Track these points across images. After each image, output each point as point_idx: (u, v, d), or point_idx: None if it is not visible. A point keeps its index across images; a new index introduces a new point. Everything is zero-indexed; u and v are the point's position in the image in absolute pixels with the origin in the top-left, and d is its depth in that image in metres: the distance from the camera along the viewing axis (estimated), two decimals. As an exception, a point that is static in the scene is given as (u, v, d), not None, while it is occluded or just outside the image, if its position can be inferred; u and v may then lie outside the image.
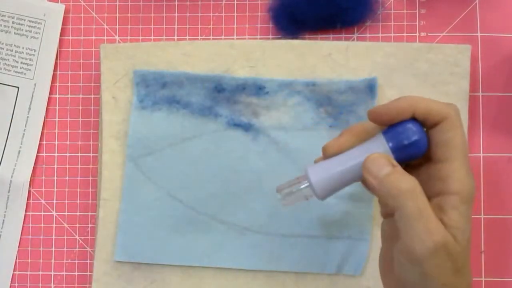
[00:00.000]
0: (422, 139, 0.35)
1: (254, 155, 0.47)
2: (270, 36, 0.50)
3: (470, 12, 0.49)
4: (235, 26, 0.50)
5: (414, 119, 0.35)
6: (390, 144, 0.35)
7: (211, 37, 0.50)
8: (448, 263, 0.33)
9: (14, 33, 0.50)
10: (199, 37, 0.50)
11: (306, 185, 0.37)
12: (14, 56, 0.50)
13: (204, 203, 0.47)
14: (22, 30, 0.50)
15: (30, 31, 0.50)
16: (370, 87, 0.47)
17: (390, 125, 0.36)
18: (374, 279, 0.47)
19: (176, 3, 0.51)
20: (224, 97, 0.48)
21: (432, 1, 0.50)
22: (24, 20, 0.50)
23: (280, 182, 0.39)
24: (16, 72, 0.50)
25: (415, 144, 0.35)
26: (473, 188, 0.35)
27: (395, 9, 0.50)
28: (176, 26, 0.51)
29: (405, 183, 0.34)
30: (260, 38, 0.50)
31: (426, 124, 0.36)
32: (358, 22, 0.49)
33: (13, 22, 0.50)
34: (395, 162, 0.35)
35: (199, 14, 0.51)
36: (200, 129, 0.48)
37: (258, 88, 0.48)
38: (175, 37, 0.51)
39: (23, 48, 0.50)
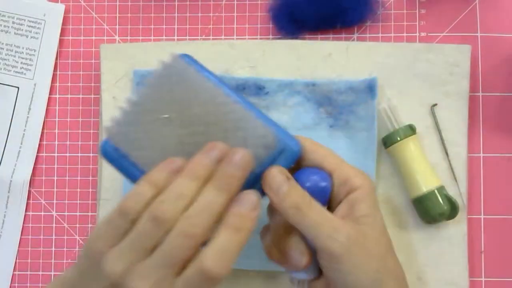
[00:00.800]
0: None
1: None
2: (270, 36, 0.50)
3: (470, 12, 0.49)
4: (235, 26, 0.50)
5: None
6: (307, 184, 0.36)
7: (211, 37, 0.50)
8: (369, 250, 0.34)
9: (14, 33, 0.50)
10: (199, 37, 0.50)
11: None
12: (14, 56, 0.50)
13: None
14: (22, 30, 0.50)
15: (30, 31, 0.50)
16: (370, 87, 0.47)
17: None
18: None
19: (176, 3, 0.51)
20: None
21: (432, 1, 0.50)
22: (24, 20, 0.50)
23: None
24: (16, 72, 0.50)
25: (324, 189, 0.37)
26: (372, 182, 0.37)
27: (395, 9, 0.50)
28: (176, 26, 0.51)
29: (298, 197, 0.35)
30: (260, 38, 0.50)
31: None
32: (358, 22, 0.49)
33: (13, 22, 0.50)
34: (289, 175, 0.35)
35: (199, 14, 0.51)
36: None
37: (258, 88, 0.47)
38: (175, 37, 0.51)
39: (23, 48, 0.50)
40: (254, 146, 0.34)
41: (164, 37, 0.50)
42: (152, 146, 0.35)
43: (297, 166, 0.37)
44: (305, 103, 0.48)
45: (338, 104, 0.47)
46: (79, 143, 0.50)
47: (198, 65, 0.37)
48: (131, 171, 0.35)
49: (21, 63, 0.50)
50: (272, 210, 0.37)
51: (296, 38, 0.49)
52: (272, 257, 0.38)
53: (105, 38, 0.51)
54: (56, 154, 0.50)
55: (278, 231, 0.37)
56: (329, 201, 0.37)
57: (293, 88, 0.48)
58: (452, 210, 0.45)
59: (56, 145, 0.50)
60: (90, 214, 0.49)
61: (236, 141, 0.34)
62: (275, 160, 0.36)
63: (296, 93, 0.48)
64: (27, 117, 0.50)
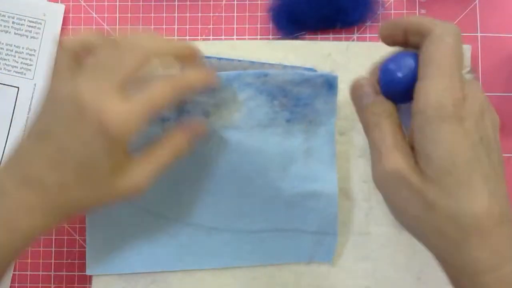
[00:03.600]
0: (405, 76, 0.34)
1: (210, 158, 0.45)
2: (270, 36, 0.50)
3: (470, 12, 0.49)
4: (235, 26, 0.50)
5: (411, 52, 0.35)
6: (381, 76, 0.36)
7: (211, 37, 0.50)
8: (405, 192, 0.32)
9: (14, 33, 0.50)
10: (199, 37, 0.50)
11: None
12: (14, 56, 0.50)
13: (168, 207, 0.47)
14: (22, 30, 0.50)
15: (30, 31, 0.50)
16: (330, 84, 0.44)
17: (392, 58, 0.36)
18: (374, 279, 0.47)
19: (176, 3, 0.51)
20: None
21: (432, 1, 0.50)
22: (24, 20, 0.50)
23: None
24: (16, 72, 0.50)
25: (397, 81, 0.35)
26: (446, 106, 0.31)
27: (395, 9, 0.50)
28: (176, 26, 0.51)
29: (374, 113, 0.35)
30: (260, 38, 0.50)
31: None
32: (358, 22, 0.49)
33: (13, 22, 0.50)
34: (378, 89, 0.35)
35: (199, 14, 0.51)
36: (150, 136, 0.42)
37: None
38: (175, 37, 0.51)
39: (23, 48, 0.50)
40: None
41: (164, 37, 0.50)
42: None
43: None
44: (257, 97, 0.44)
45: (293, 95, 0.44)
46: (79, 143, 0.50)
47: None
48: None
49: (21, 63, 0.50)
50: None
51: (296, 38, 0.49)
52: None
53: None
54: (56, 154, 0.50)
55: None
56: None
57: (242, 80, 0.43)
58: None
59: (56, 145, 0.50)
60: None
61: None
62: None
63: (246, 85, 0.43)
64: (27, 117, 0.50)
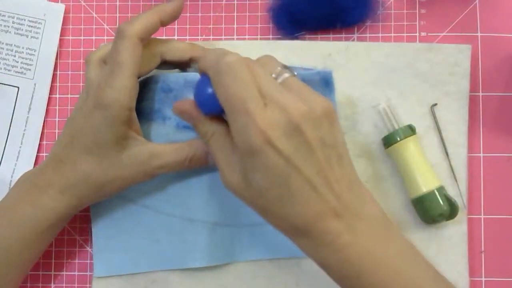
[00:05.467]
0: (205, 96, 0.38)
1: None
2: (270, 36, 0.50)
3: (470, 12, 0.49)
4: (235, 26, 0.50)
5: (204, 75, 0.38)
6: (194, 98, 0.39)
7: (211, 37, 0.50)
8: (243, 201, 0.38)
9: (14, 33, 0.50)
10: (199, 37, 0.50)
11: None
12: (14, 56, 0.50)
13: (171, 205, 0.47)
14: (22, 30, 0.50)
15: (30, 31, 0.50)
16: (326, 81, 0.45)
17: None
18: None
19: (176, 3, 0.51)
20: (172, 97, 0.45)
21: (432, 1, 0.50)
22: (24, 20, 0.50)
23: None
24: (16, 72, 0.50)
25: (204, 99, 0.38)
26: (247, 142, 0.34)
27: (395, 9, 0.50)
28: (176, 26, 0.51)
29: (200, 134, 0.40)
30: (260, 38, 0.50)
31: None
32: (358, 22, 0.49)
33: (13, 22, 0.50)
34: (195, 113, 0.39)
35: (199, 14, 0.51)
36: (150, 135, 0.45)
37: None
38: (175, 37, 0.51)
39: (23, 48, 0.50)
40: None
41: (164, 37, 0.50)
42: None
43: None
44: None
45: None
46: (79, 143, 0.50)
47: None
48: None
49: (21, 63, 0.50)
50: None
51: (296, 38, 0.49)
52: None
53: (105, 38, 0.51)
54: (56, 154, 0.50)
55: None
56: None
57: None
58: (452, 211, 0.45)
59: (56, 145, 0.50)
60: (90, 214, 0.49)
61: None
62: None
63: None
64: (27, 117, 0.50)
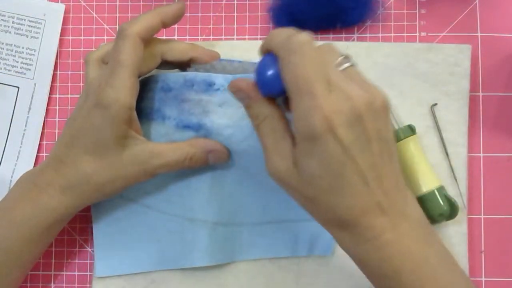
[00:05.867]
0: (268, 74, 0.36)
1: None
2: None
3: (470, 12, 0.49)
4: (235, 26, 0.50)
5: (270, 54, 0.36)
6: (255, 78, 0.37)
7: (211, 37, 0.50)
8: (288, 189, 0.37)
9: (14, 33, 0.50)
10: (199, 37, 0.50)
11: None
12: (14, 56, 0.50)
13: (171, 204, 0.47)
14: (22, 30, 0.50)
15: (30, 31, 0.50)
16: None
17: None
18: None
19: (176, 3, 0.51)
20: (172, 96, 0.45)
21: (432, 1, 0.50)
22: (24, 20, 0.50)
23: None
24: (16, 72, 0.50)
25: (266, 79, 0.36)
26: (309, 127, 0.33)
27: (395, 9, 0.50)
28: (176, 26, 0.51)
29: (252, 116, 0.38)
30: (260, 38, 0.50)
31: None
32: (358, 22, 0.49)
33: (13, 22, 0.50)
34: (253, 93, 0.37)
35: (199, 14, 0.51)
36: (150, 135, 0.45)
37: (207, 85, 0.44)
38: (175, 37, 0.51)
39: (23, 48, 0.50)
40: None
41: (164, 37, 0.50)
42: None
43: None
44: None
45: None
46: (79, 143, 0.50)
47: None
48: None
49: (21, 63, 0.50)
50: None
51: (296, 38, 0.49)
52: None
53: (105, 38, 0.51)
54: (56, 154, 0.50)
55: None
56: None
57: None
58: (452, 211, 0.45)
59: (56, 145, 0.50)
60: (90, 214, 0.49)
61: None
62: None
63: None
64: (27, 117, 0.50)
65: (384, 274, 0.35)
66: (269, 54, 0.37)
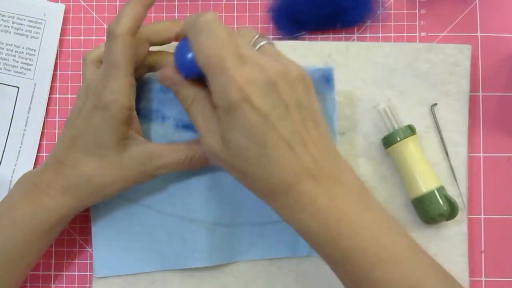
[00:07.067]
0: (184, 58, 0.38)
1: None
2: (270, 36, 0.50)
3: (470, 12, 0.49)
4: (235, 26, 0.50)
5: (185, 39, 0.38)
6: (175, 63, 0.39)
7: (211, 37, 0.50)
8: (221, 164, 0.38)
9: (14, 33, 0.50)
10: (199, 37, 0.50)
11: None
12: (14, 56, 0.50)
13: (171, 205, 0.47)
14: (22, 30, 0.50)
15: (30, 31, 0.50)
16: (326, 78, 0.46)
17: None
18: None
19: (176, 3, 0.51)
20: (171, 96, 0.44)
21: (432, 1, 0.50)
22: (24, 20, 0.50)
23: None
24: (16, 72, 0.50)
25: (183, 63, 0.38)
26: (226, 99, 0.35)
27: (395, 9, 0.50)
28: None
29: (181, 100, 0.40)
30: (260, 38, 0.50)
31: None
32: (358, 22, 0.49)
33: (13, 22, 0.50)
34: (177, 78, 0.39)
35: (199, 14, 0.51)
36: (150, 135, 0.46)
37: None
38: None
39: (23, 48, 0.50)
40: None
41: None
42: None
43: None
44: None
45: None
46: (79, 143, 0.50)
47: None
48: None
49: (21, 63, 0.50)
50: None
51: (296, 38, 0.49)
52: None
53: (105, 38, 0.51)
54: (56, 154, 0.50)
55: None
56: None
57: None
58: (452, 211, 0.45)
59: (56, 145, 0.50)
60: (90, 214, 0.49)
61: None
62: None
63: None
64: (27, 117, 0.50)
65: (323, 241, 0.36)
66: (184, 39, 0.38)
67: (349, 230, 0.35)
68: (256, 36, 0.38)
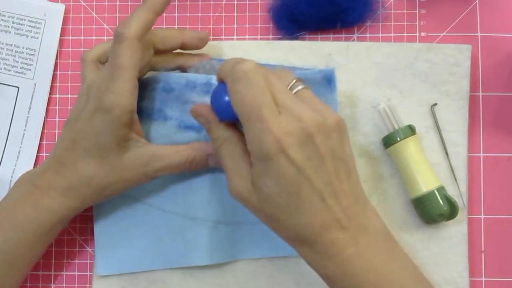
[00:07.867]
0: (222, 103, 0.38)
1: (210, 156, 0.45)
2: (270, 36, 0.50)
3: (470, 12, 0.49)
4: (235, 26, 0.50)
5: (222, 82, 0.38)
6: (211, 105, 0.40)
7: (211, 37, 0.50)
8: (249, 208, 0.38)
9: (14, 33, 0.50)
10: (199, 37, 0.50)
11: None
12: (14, 56, 0.50)
13: (172, 203, 0.47)
14: (22, 30, 0.50)
15: (30, 31, 0.50)
16: (328, 79, 0.46)
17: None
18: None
19: (176, 3, 0.51)
20: (173, 97, 0.45)
21: (432, 1, 0.50)
22: (24, 20, 0.50)
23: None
24: (16, 72, 0.50)
25: (219, 107, 0.38)
26: (262, 149, 0.35)
27: (395, 9, 0.50)
28: (176, 26, 0.51)
29: (212, 139, 0.40)
30: (260, 38, 0.50)
31: None
32: (358, 22, 0.49)
33: (13, 22, 0.50)
34: (211, 118, 0.39)
35: (199, 14, 0.51)
36: (151, 135, 0.46)
37: (209, 86, 0.45)
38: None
39: (23, 48, 0.50)
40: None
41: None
42: None
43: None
44: None
45: None
46: (79, 143, 0.50)
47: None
48: None
49: (21, 63, 0.50)
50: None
51: (296, 38, 0.49)
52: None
53: (105, 38, 0.51)
54: (56, 154, 0.50)
55: None
56: None
57: None
58: (452, 211, 0.45)
59: (56, 145, 0.50)
60: (90, 214, 0.49)
61: None
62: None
63: None
64: (27, 117, 0.50)
65: None
66: (222, 83, 0.38)
67: (375, 280, 0.36)
68: (294, 81, 0.38)
